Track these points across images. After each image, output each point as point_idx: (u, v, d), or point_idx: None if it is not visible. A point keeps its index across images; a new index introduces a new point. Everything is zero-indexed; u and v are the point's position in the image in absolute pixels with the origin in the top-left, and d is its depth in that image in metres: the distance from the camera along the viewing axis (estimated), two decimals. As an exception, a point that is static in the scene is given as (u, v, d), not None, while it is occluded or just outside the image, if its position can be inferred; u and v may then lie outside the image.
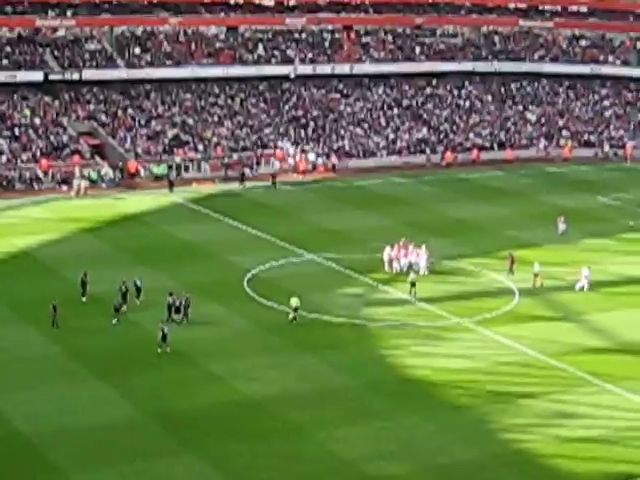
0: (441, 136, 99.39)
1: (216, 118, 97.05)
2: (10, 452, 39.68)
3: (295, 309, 55.35)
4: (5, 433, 41.44)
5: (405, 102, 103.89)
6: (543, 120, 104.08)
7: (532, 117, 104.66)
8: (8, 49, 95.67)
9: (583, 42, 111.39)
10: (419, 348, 52.15)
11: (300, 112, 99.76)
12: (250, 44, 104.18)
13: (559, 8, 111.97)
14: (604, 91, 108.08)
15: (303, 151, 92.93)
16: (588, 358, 49.48)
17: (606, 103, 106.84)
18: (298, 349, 51.16)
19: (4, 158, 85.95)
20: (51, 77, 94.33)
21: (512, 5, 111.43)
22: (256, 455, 38.99)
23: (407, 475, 37.45)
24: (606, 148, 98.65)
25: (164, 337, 49.61)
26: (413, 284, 58.43)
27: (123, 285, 54.78)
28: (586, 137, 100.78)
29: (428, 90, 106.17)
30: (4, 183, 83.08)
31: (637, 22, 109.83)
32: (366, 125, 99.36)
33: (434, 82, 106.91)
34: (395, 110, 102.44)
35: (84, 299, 56.49)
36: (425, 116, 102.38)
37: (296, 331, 54.23)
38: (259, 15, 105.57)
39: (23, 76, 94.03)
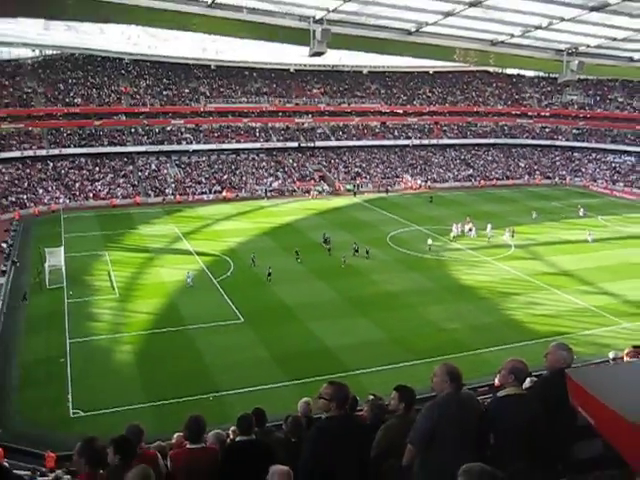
0: (478, 172, 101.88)
1: (374, 164, 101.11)
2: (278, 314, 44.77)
3: (429, 246, 59.02)
4: (278, 302, 45.91)
5: (462, 157, 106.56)
6: (527, 166, 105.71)
7: (521, 164, 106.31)
8: (282, 132, 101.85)
9: (547, 129, 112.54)
10: (467, 270, 54.59)
11: (414, 161, 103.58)
12: (391, 130, 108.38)
13: (536, 113, 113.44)
14: (556, 152, 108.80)
15: (415, 178, 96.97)
16: (546, 277, 52.23)
17: (557, 158, 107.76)
18: (412, 270, 53.75)
19: (280, 181, 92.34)
20: (302, 145, 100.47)
21: (514, 112, 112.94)
22: (394, 319, 42.46)
23: (460, 329, 41.22)
24: (556, 179, 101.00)
25: (344, 261, 53.73)
26: (455, 238, 62.46)
27: (326, 236, 60.04)
28: (548, 174, 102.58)
29: (473, 152, 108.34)
30: (281, 193, 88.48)
31: (573, 120, 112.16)
32: (444, 167, 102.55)
33: (476, 148, 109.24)
34: (457, 161, 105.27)
35: (327, 247, 59.31)
36: (471, 163, 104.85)
37: (411, 261, 56.31)
38: (395, 117, 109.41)
39: (289, 144, 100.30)
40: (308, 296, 46.58)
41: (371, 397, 7.90)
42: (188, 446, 6.85)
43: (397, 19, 18.20)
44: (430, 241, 60.13)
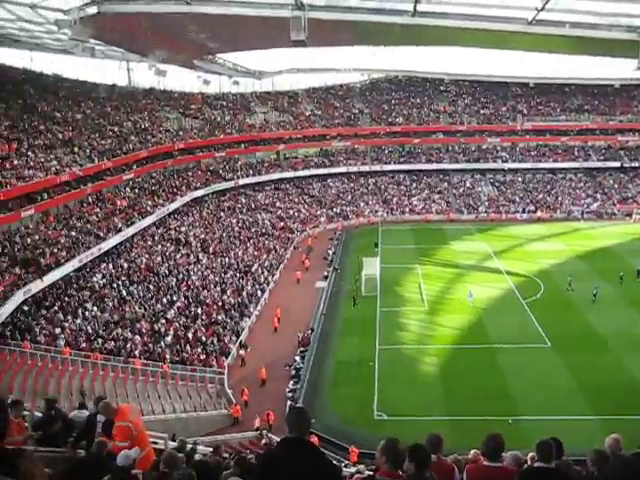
0: None
1: None
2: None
3: None
4: (589, 329, 43.90)
5: None
6: None
7: None
8: (603, 151, 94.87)
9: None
10: None
11: None
12: None
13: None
14: None
15: None
16: None
17: None
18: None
19: (598, 203, 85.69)
20: (625, 164, 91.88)
21: None
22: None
23: None
24: None
25: (594, 296, 47.80)
26: None
27: None
28: None
29: None
30: (599, 215, 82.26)
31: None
32: None
33: None
34: None
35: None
36: None
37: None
38: None
39: (610, 164, 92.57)
40: (624, 325, 43.28)
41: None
42: (485, 463, 6.77)
43: None
44: None
